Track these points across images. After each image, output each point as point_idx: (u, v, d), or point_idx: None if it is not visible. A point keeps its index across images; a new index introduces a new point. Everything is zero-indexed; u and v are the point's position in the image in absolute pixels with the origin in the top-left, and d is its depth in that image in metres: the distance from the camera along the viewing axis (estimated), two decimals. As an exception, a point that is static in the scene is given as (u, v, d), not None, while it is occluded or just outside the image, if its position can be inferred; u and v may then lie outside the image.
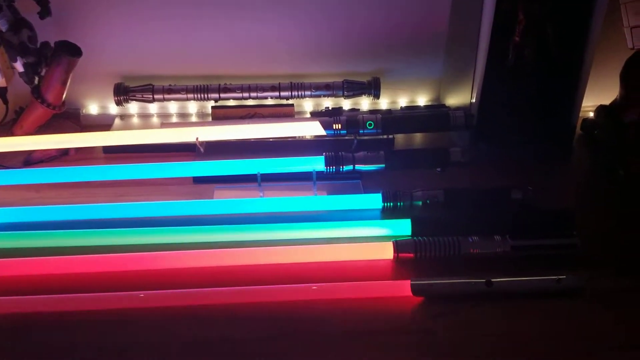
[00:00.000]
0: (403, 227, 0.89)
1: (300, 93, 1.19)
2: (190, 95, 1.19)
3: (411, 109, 1.22)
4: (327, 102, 1.25)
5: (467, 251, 0.84)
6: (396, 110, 1.18)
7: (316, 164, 0.97)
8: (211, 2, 1.16)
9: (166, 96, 1.19)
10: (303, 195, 0.98)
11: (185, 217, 0.95)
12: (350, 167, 0.97)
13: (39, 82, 1.10)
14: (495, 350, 0.72)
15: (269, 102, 1.22)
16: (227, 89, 1.19)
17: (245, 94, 1.19)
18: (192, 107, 1.27)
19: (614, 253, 0.89)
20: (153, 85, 1.19)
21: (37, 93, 1.10)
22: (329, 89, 1.19)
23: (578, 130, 1.17)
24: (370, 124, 1.01)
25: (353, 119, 1.02)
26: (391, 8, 1.19)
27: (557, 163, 1.13)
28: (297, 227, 0.90)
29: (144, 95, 1.19)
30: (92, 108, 1.26)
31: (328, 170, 0.96)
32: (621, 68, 1.07)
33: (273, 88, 1.19)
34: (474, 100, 1.10)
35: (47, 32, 1.09)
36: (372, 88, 1.19)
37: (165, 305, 0.78)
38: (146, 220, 0.94)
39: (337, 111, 1.15)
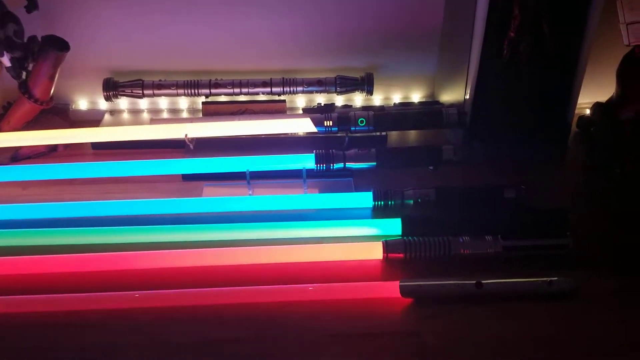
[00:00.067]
0: (393, 226, 0.88)
1: (292, 89, 1.17)
2: (181, 91, 1.17)
3: (405, 105, 1.20)
4: (320, 98, 1.23)
5: (457, 251, 0.83)
6: (389, 107, 1.17)
7: (307, 161, 0.96)
8: (202, -4, 1.15)
9: (156, 92, 1.17)
10: (294, 193, 0.97)
11: (173, 216, 0.93)
12: (341, 165, 0.95)
13: (26, 77, 1.08)
14: (484, 354, 0.71)
15: (261, 97, 1.20)
16: (218, 85, 1.17)
17: (237, 90, 1.17)
18: (183, 102, 1.25)
19: (608, 253, 0.87)
20: (143, 81, 1.17)
21: (25, 88, 1.08)
22: (322, 85, 1.17)
23: (574, 127, 1.15)
24: (362, 121, 1.00)
25: (344, 116, 1.00)
26: (385, 2, 1.17)
27: (552, 161, 1.11)
28: (285, 226, 0.89)
29: (134, 91, 1.17)
30: (82, 103, 1.24)
31: (318, 168, 0.95)
32: (618, 65, 1.05)
33: (264, 84, 1.17)
34: (467, 97, 1.08)
35: (34, 27, 1.07)
36: (365, 84, 1.17)
37: (149, 306, 0.77)
38: (133, 218, 0.93)
39: (329, 107, 1.13)
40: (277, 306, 0.77)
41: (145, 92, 1.17)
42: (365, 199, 0.93)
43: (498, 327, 0.74)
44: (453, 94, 1.16)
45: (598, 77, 1.14)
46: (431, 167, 0.96)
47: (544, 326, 0.74)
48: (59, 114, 1.19)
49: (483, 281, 0.77)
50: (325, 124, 1.00)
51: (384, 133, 1.10)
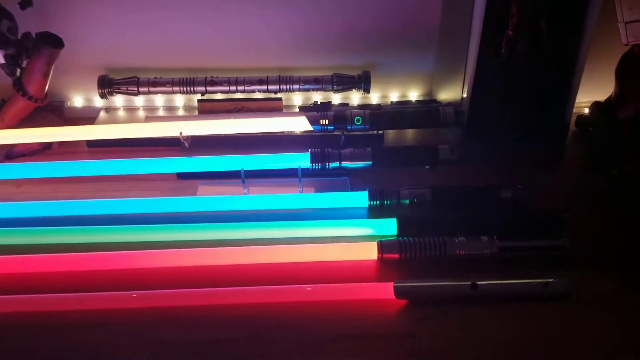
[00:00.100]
0: (388, 226, 0.87)
1: (288, 87, 1.16)
2: (176, 88, 1.16)
3: (402, 104, 1.19)
4: (317, 96, 1.22)
5: (453, 252, 0.82)
6: (386, 106, 1.16)
7: (302, 160, 0.95)
8: (198, -7, 1.14)
9: (151, 89, 1.17)
10: (289, 192, 0.96)
11: (167, 215, 0.93)
12: (337, 164, 0.95)
13: (20, 74, 1.08)
14: (479, 356, 0.70)
15: (257, 95, 1.19)
16: (213, 82, 1.16)
17: (233, 88, 1.16)
18: (179, 100, 1.24)
19: (605, 254, 0.86)
20: (138, 78, 1.16)
21: (19, 85, 1.07)
22: (318, 83, 1.16)
23: (572, 127, 1.15)
24: (358, 120, 0.99)
25: (341, 115, 0.99)
26: (384, 0, 1.16)
27: (550, 161, 1.10)
28: (280, 225, 0.88)
29: (129, 88, 1.16)
30: (77, 100, 1.24)
31: (314, 167, 0.94)
32: (617, 64, 1.04)
33: (261, 81, 1.16)
34: (465, 95, 1.07)
35: (28, 23, 1.07)
36: (362, 82, 1.17)
37: (142, 306, 0.76)
38: (127, 217, 0.92)
39: (325, 106, 1.12)
40: (271, 307, 0.76)
41: (141, 89, 1.16)
42: (360, 199, 0.93)
43: (493, 328, 0.73)
44: (451, 93, 1.15)
45: (597, 75, 1.13)
46: (428, 167, 0.96)
47: (539, 328, 0.73)
48: (53, 112, 1.18)
49: (478, 282, 0.76)
50: (321, 123, 0.99)
51: (380, 132, 1.10)
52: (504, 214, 0.90)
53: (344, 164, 0.94)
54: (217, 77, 1.16)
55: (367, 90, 1.17)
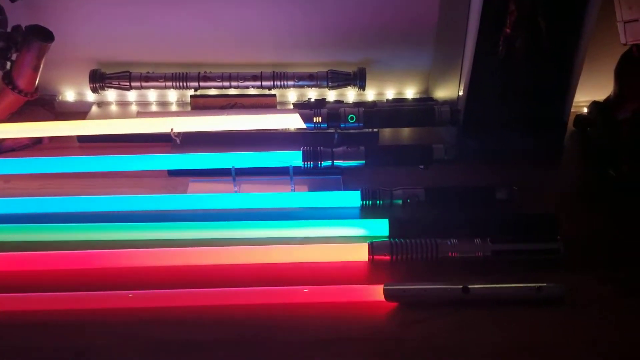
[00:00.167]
0: (380, 227, 0.85)
1: (282, 83, 1.15)
2: (169, 84, 1.15)
3: (397, 102, 1.17)
4: (312, 93, 1.20)
5: (445, 254, 0.80)
6: (381, 103, 1.14)
7: (294, 158, 0.93)
8: (191, -14, 1.12)
9: (144, 84, 1.15)
10: (281, 190, 0.95)
11: (157, 212, 0.91)
12: (329, 162, 0.93)
13: (10, 67, 1.06)
14: (469, 362, 0.69)
15: (251, 91, 1.17)
16: (207, 78, 1.14)
17: (226, 83, 1.15)
18: (172, 95, 1.23)
19: (601, 258, 0.85)
20: (130, 72, 1.15)
21: (8, 79, 1.06)
22: (313, 79, 1.15)
23: (570, 126, 1.13)
24: (352, 118, 0.98)
25: (334, 112, 0.98)
26: (380, -5, 1.15)
27: (547, 161, 1.08)
28: (270, 225, 0.86)
29: (121, 83, 1.15)
30: (69, 95, 1.22)
31: (306, 165, 0.93)
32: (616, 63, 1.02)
33: (255, 77, 1.15)
34: (461, 94, 1.06)
35: (18, 16, 1.05)
36: (358, 79, 1.15)
37: (131, 306, 0.75)
38: (116, 214, 0.91)
39: (320, 103, 1.10)
40: (258, 308, 0.75)
41: (133, 84, 1.15)
42: (353, 198, 0.91)
43: (484, 333, 0.72)
44: (447, 91, 1.13)
45: (596, 75, 1.11)
46: (422, 166, 0.94)
47: (531, 333, 0.72)
48: (44, 106, 1.17)
49: (470, 286, 0.74)
50: (315, 120, 0.98)
51: (375, 130, 1.08)
52: (498, 215, 0.88)
53: (337, 162, 0.93)
54: (210, 72, 1.15)
55: (362, 87, 1.16)
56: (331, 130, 1.00)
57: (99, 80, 1.14)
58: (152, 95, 1.22)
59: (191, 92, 1.16)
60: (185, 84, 1.15)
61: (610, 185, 1.00)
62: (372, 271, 0.81)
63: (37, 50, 1.03)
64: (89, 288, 0.76)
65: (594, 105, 1.10)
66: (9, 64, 1.06)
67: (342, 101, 1.15)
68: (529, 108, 1.07)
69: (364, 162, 0.93)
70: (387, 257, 0.81)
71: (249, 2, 1.14)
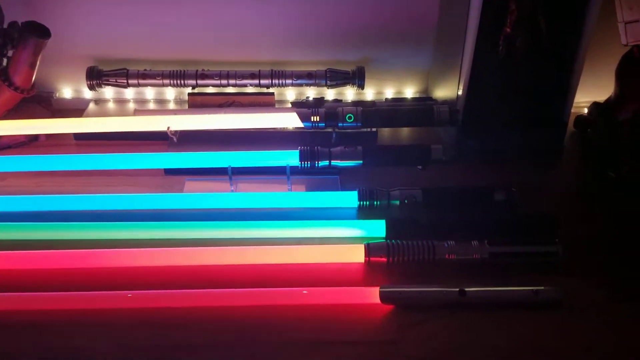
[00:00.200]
0: (377, 228, 0.85)
1: (280, 82, 1.14)
2: (167, 81, 1.14)
3: (396, 101, 1.16)
4: (311, 92, 1.19)
5: (442, 256, 0.80)
6: (380, 103, 1.13)
7: (291, 158, 0.92)
8: (190, -16, 1.11)
9: (141, 81, 1.14)
10: (278, 190, 0.94)
11: (152, 211, 0.91)
12: (327, 162, 0.92)
13: (6, 64, 1.05)
14: (464, 366, 0.68)
15: (249, 90, 1.17)
16: (204, 75, 1.14)
17: (224, 81, 1.14)
18: (170, 93, 1.22)
19: (600, 261, 0.84)
20: (127, 70, 1.14)
21: (5, 76, 1.05)
22: (311, 78, 1.14)
23: (571, 127, 1.12)
24: (350, 117, 0.97)
25: (332, 112, 0.97)
26: (380, -7, 1.14)
27: (547, 162, 1.08)
28: (266, 225, 0.86)
29: (118, 80, 1.14)
30: (66, 92, 1.21)
31: (303, 165, 0.92)
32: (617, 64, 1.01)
33: (253, 75, 1.14)
34: (460, 93, 1.05)
35: (15, 12, 1.04)
36: (357, 78, 1.14)
37: (118, 307, 0.74)
38: (111, 213, 0.90)
39: (318, 102, 1.10)
40: (252, 310, 0.74)
41: (130, 81, 1.14)
42: (350, 199, 0.90)
43: (481, 336, 0.71)
44: (446, 90, 1.12)
45: (597, 75, 1.10)
46: (420, 167, 0.93)
47: (528, 337, 0.71)
48: (41, 103, 1.16)
49: (467, 289, 0.74)
50: (312, 120, 0.97)
51: (374, 129, 1.07)
52: (496, 217, 0.87)
53: (334, 162, 0.92)
54: (208, 70, 1.14)
55: (361, 86, 1.15)
56: (329, 130, 0.99)
57: (96, 77, 1.14)
58: (149, 92, 1.21)
59: (189, 90, 1.16)
60: (182, 81, 1.14)
61: (610, 186, 0.99)
62: (369, 273, 0.80)
63: (33, 47, 1.02)
64: (81, 288, 0.76)
65: (595, 106, 1.09)
66: (5, 60, 1.05)
67: (341, 100, 1.14)
68: (529, 108, 1.06)
69: (361, 162, 0.92)
70: (384, 259, 0.80)
71: (249, 1, 1.12)
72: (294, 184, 0.96)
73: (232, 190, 0.94)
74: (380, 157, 0.94)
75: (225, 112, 1.04)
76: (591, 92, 1.13)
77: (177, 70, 1.13)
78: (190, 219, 0.87)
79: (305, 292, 0.75)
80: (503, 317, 0.73)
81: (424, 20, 1.16)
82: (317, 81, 1.14)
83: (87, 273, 0.80)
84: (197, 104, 1.14)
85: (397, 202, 0.90)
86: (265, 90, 1.16)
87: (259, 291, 0.75)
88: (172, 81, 1.14)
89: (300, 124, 0.97)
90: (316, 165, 0.92)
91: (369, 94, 1.22)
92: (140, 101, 1.22)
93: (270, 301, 0.75)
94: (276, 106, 1.16)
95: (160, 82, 1.14)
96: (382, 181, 0.93)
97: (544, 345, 0.70)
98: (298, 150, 0.92)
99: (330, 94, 1.19)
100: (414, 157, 0.93)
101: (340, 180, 0.99)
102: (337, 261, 0.81)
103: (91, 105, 1.20)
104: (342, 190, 0.95)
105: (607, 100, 1.06)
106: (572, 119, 1.11)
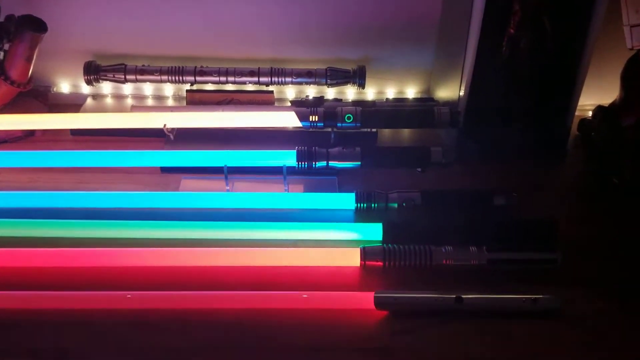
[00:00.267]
0: (374, 231, 0.83)
1: (280, 79, 1.12)
2: (165, 77, 1.13)
3: (397, 101, 1.15)
4: (311, 90, 1.18)
5: (439, 262, 0.78)
6: (381, 103, 1.12)
7: (288, 158, 0.91)
8: (189, -22, 1.10)
9: (139, 77, 1.13)
10: (275, 189, 0.93)
11: (146, 210, 0.89)
12: (324, 163, 0.91)
13: (3, 57, 1.04)
14: (459, 375, 0.67)
15: (248, 87, 1.15)
16: (203, 72, 1.12)
17: (223, 78, 1.12)
18: (168, 89, 1.20)
19: (601, 269, 0.82)
20: (125, 65, 1.12)
21: (1, 69, 1.04)
22: (311, 77, 1.12)
23: (575, 131, 1.10)
24: (349, 118, 0.95)
25: (331, 112, 0.95)
26: (382, -9, 1.12)
27: (549, 166, 1.06)
28: (261, 226, 0.84)
29: (116, 75, 1.13)
30: (64, 86, 1.20)
31: (300, 166, 0.90)
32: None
33: (252, 73, 1.12)
34: (462, 94, 1.03)
35: (12, 5, 1.03)
36: (357, 77, 1.12)
37: (109, 307, 0.73)
38: (105, 211, 0.89)
39: (318, 101, 1.08)
40: (243, 313, 0.72)
41: (128, 77, 1.13)
42: (347, 201, 0.89)
43: (476, 345, 0.69)
44: (448, 91, 1.10)
45: (603, 78, 1.08)
46: (419, 169, 0.92)
47: (525, 346, 0.70)
48: (38, 97, 1.15)
49: (463, 296, 0.72)
50: (311, 119, 0.95)
51: (374, 130, 1.06)
52: (495, 222, 0.85)
53: (332, 163, 0.90)
54: (207, 67, 1.12)
55: (362, 85, 1.13)
56: (328, 130, 0.98)
57: (93, 72, 1.12)
58: (148, 88, 1.20)
59: (187, 86, 1.14)
60: (181, 78, 1.12)
61: (612, 192, 0.98)
62: (364, 277, 0.79)
63: (29, 40, 1.01)
64: (71, 287, 0.74)
65: (599, 109, 1.07)
66: (2, 54, 1.04)
67: (341, 99, 1.13)
68: (532, 110, 1.05)
69: (359, 163, 0.91)
70: (380, 263, 0.78)
71: (249, -3, 1.12)
72: (291, 184, 0.94)
73: (227, 190, 0.93)
74: (379, 158, 0.92)
75: (223, 110, 1.03)
76: (596, 95, 1.11)
77: (175, 67, 1.12)
78: (185, 218, 0.85)
79: (299, 296, 0.73)
80: (501, 325, 0.71)
81: (426, 19, 1.14)
82: (317, 80, 1.12)
83: (77, 272, 0.78)
84: (196, 100, 1.13)
85: (395, 205, 0.88)
86: (264, 88, 1.14)
87: (250, 294, 0.74)
88: (170, 77, 1.12)
89: (298, 124, 0.95)
90: (313, 166, 0.90)
91: (370, 93, 1.21)
92: (139, 97, 1.21)
93: (264, 304, 0.73)
94: (276, 104, 1.15)
95: (159, 78, 1.13)
96: (379, 182, 0.92)
97: (541, 356, 0.69)
98: (295, 151, 0.91)
99: (330, 93, 1.18)
100: (414, 160, 0.91)
101: (338, 181, 0.97)
102: (332, 265, 0.79)
103: (89, 101, 1.19)
104: (340, 191, 0.94)
105: (612, 104, 1.04)
106: (576, 121, 1.09)
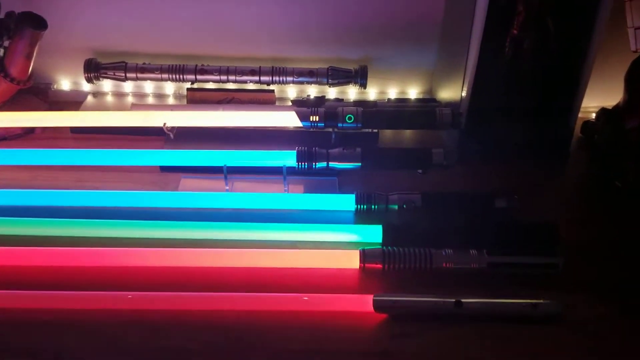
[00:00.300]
0: (374, 233, 0.82)
1: (281, 79, 1.11)
2: (165, 76, 1.12)
3: (399, 102, 1.14)
4: (312, 89, 1.17)
5: (439, 265, 0.77)
6: (382, 103, 1.11)
7: (288, 158, 0.90)
8: (191, -24, 1.09)
9: (139, 75, 1.12)
10: (275, 189, 0.92)
11: (145, 209, 0.89)
12: (324, 164, 0.90)
13: (3, 54, 1.04)
14: (458, 380, 0.66)
15: (250, 86, 1.14)
16: (204, 71, 1.11)
17: (223, 77, 1.12)
18: (169, 87, 1.20)
19: (603, 274, 0.81)
20: (126, 63, 1.12)
21: (1, 67, 1.03)
22: (313, 76, 1.11)
23: (578, 133, 1.09)
24: (350, 118, 0.94)
25: (332, 112, 0.95)
26: (385, -10, 1.11)
27: (551, 168, 1.05)
28: (261, 227, 0.84)
29: (116, 73, 1.12)
30: (64, 84, 1.20)
31: (300, 166, 0.90)
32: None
33: (253, 72, 1.11)
34: (464, 94, 1.02)
35: (12, 2, 1.02)
36: (359, 77, 1.11)
37: (107, 308, 0.72)
38: (103, 210, 0.89)
39: (319, 100, 1.07)
40: (240, 314, 0.72)
41: (129, 75, 1.12)
42: (347, 202, 0.88)
43: (475, 350, 0.69)
44: (450, 91, 1.10)
45: (607, 80, 1.08)
46: (420, 171, 0.91)
47: (524, 352, 0.69)
48: (38, 95, 1.14)
49: (463, 300, 0.71)
50: (312, 119, 0.95)
51: (375, 130, 1.05)
52: (496, 225, 0.85)
53: (332, 164, 0.90)
54: (208, 65, 1.12)
55: (363, 85, 1.12)
56: (329, 130, 0.97)
57: (94, 70, 1.12)
58: (148, 86, 1.19)
59: (188, 85, 1.14)
60: (181, 76, 1.12)
61: (615, 195, 0.97)
62: (363, 280, 0.78)
63: (29, 38, 1.01)
64: (68, 287, 0.74)
65: (602, 112, 1.06)
66: (2, 51, 1.04)
67: (342, 99, 1.12)
68: (535, 112, 1.04)
69: (360, 164, 0.90)
70: (379, 266, 0.78)
71: (251, -5, 1.11)
72: (291, 185, 0.94)
73: (227, 190, 0.92)
74: (380, 160, 0.92)
75: (223, 109, 1.02)
76: (599, 97, 1.10)
77: (176, 65, 1.11)
78: (184, 218, 0.85)
79: (299, 298, 0.73)
80: (500, 331, 0.71)
81: (428, 18, 1.13)
82: (318, 79, 1.12)
83: (75, 271, 0.78)
84: (196, 99, 1.12)
85: (396, 207, 0.87)
86: (265, 87, 1.13)
87: (249, 296, 0.73)
88: (171, 76, 1.12)
89: (299, 124, 0.95)
90: (313, 166, 0.90)
91: (372, 93, 1.20)
92: (139, 95, 1.20)
93: (263, 306, 0.73)
94: (277, 104, 1.14)
95: (159, 76, 1.12)
96: (380, 183, 0.91)
97: (540, 360, 0.68)
98: (295, 151, 0.90)
99: (332, 93, 1.17)
100: (414, 161, 0.91)
101: (338, 182, 0.96)
102: (331, 267, 0.79)
103: (89, 98, 1.18)
104: (340, 192, 0.93)
105: (616, 107, 1.03)
106: (579, 124, 1.08)
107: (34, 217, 0.85)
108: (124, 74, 1.12)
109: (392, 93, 1.20)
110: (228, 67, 1.11)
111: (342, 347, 0.69)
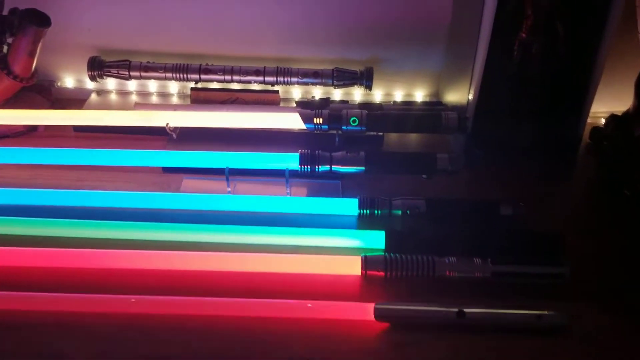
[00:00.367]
0: (376, 239, 0.81)
1: (286, 79, 1.10)
2: (169, 75, 1.11)
3: (404, 104, 1.12)
4: (317, 91, 1.15)
5: (442, 273, 0.76)
6: (388, 106, 1.09)
7: (291, 161, 0.89)
8: (196, -25, 1.08)
9: (143, 74, 1.11)
10: (278, 192, 0.91)
11: (145, 210, 0.88)
12: (327, 167, 0.89)
13: (6, 51, 1.03)
14: (458, 391, 0.65)
15: (254, 86, 1.13)
16: (208, 70, 1.10)
17: (228, 77, 1.11)
18: (173, 86, 1.19)
19: (610, 285, 0.79)
20: (130, 61, 1.11)
21: (4, 64, 1.03)
22: (318, 77, 1.10)
23: (586, 139, 1.07)
24: (354, 121, 0.93)
25: (336, 114, 0.93)
26: (392, -9, 1.10)
27: (559, 175, 1.03)
28: (262, 231, 0.82)
29: (120, 72, 1.11)
30: (68, 81, 1.19)
31: (302, 169, 0.89)
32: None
33: (257, 72, 1.10)
34: (471, 97, 1.00)
35: (16, -1, 1.02)
36: (364, 79, 1.10)
37: (103, 311, 0.72)
38: (103, 210, 0.88)
39: (324, 102, 1.06)
40: (238, 321, 0.71)
41: (132, 73, 1.11)
42: (350, 206, 0.87)
43: (479, 360, 0.68)
44: (457, 95, 1.08)
45: (617, 85, 1.06)
46: (425, 176, 0.90)
47: (529, 361, 0.68)
48: (41, 92, 1.14)
49: (466, 310, 0.70)
50: (315, 122, 0.93)
51: (380, 133, 1.03)
52: (501, 233, 0.83)
53: (335, 168, 0.89)
54: (212, 65, 1.11)
55: (368, 87, 1.11)
56: (333, 132, 0.96)
57: (97, 68, 1.11)
58: (152, 85, 1.19)
59: (192, 84, 1.13)
60: (185, 75, 1.11)
61: (624, 204, 0.95)
62: (365, 287, 0.77)
63: (32, 35, 1.00)
64: (65, 289, 0.73)
65: (612, 118, 1.04)
66: (5, 48, 1.03)
67: (347, 101, 1.11)
68: (543, 117, 1.02)
69: (363, 168, 0.89)
70: (381, 273, 0.76)
71: (256, -5, 1.10)
72: (294, 187, 0.92)
73: (229, 192, 0.91)
74: (384, 164, 0.90)
75: (226, 110, 1.01)
76: (609, 103, 1.08)
77: (180, 64, 1.10)
78: (185, 220, 0.84)
79: (302, 305, 0.72)
80: (503, 342, 0.69)
81: (436, 19, 1.12)
82: (323, 80, 1.10)
83: (74, 273, 0.77)
84: (200, 99, 1.11)
85: (399, 212, 0.86)
86: (270, 87, 1.12)
87: (249, 301, 0.72)
88: (174, 75, 1.11)
89: (302, 126, 0.94)
90: (316, 170, 0.88)
91: (378, 95, 1.18)
92: (143, 94, 1.19)
93: (263, 313, 0.72)
94: (281, 104, 1.13)
95: (163, 75, 1.11)
96: (384, 188, 0.90)
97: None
98: (298, 154, 0.89)
99: (337, 94, 1.16)
100: (419, 166, 0.89)
101: (342, 185, 0.95)
102: (332, 273, 0.78)
103: (93, 96, 1.17)
104: (343, 196, 0.92)
105: (625, 113, 1.01)
106: (587, 129, 1.07)
107: (34, 217, 0.84)
108: (127, 73, 1.11)
109: (398, 95, 1.19)
110: (232, 67, 1.10)
111: (342, 357, 0.68)
